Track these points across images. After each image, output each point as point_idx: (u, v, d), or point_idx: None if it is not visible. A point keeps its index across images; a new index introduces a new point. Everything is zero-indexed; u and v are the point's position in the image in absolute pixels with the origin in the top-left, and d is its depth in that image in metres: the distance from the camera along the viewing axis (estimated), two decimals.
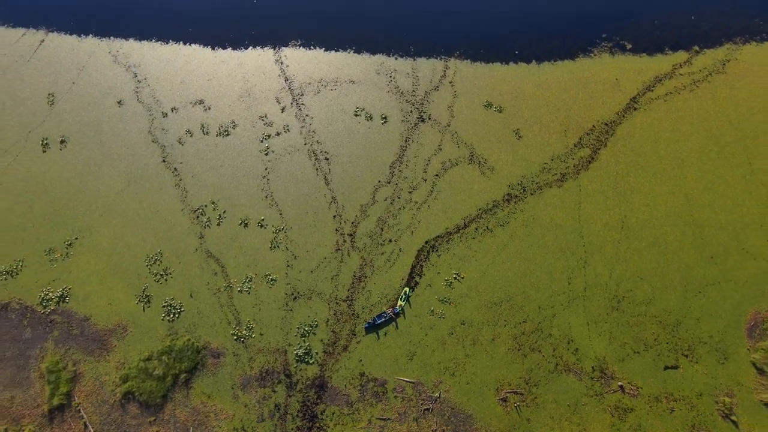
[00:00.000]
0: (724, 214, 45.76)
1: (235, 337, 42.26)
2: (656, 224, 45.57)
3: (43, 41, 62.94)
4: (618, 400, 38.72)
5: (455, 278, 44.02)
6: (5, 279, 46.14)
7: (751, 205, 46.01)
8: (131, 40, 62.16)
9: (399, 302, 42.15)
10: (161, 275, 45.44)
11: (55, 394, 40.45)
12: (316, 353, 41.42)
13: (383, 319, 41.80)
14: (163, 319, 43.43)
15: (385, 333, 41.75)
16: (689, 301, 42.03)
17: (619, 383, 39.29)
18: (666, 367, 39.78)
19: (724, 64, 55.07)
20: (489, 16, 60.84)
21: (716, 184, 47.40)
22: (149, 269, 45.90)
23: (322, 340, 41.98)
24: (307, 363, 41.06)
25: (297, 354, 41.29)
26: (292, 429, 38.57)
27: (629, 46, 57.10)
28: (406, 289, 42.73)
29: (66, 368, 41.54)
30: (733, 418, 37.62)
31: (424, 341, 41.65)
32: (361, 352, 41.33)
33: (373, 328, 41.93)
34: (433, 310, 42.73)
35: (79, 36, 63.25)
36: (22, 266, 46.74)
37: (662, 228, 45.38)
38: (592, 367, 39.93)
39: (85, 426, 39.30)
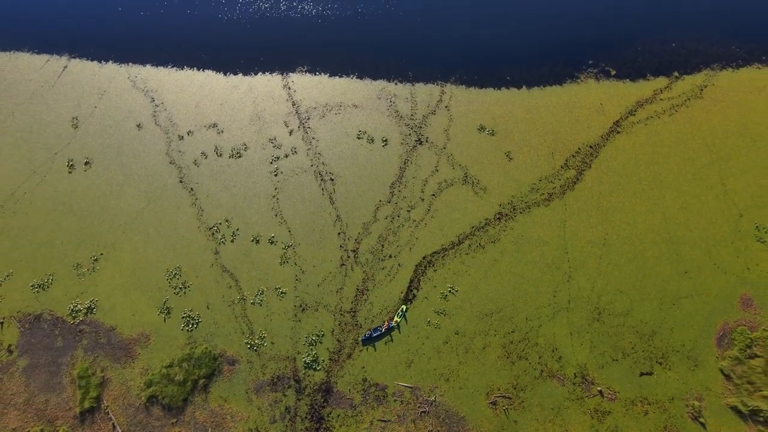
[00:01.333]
0: (698, 231, 49.65)
1: (248, 346, 46.32)
2: (635, 241, 49.48)
3: (66, 67, 67.40)
4: (597, 404, 42.58)
5: (450, 291, 48.00)
6: (37, 292, 50.33)
7: (723, 224, 49.89)
8: (148, 66, 66.53)
9: (395, 318, 46.11)
10: (180, 288, 49.57)
11: (86, 397, 44.51)
12: (323, 360, 45.43)
13: (379, 333, 45.78)
14: (182, 329, 47.52)
15: (385, 342, 45.73)
16: (664, 312, 45.89)
17: (599, 388, 43.13)
18: (641, 374, 43.60)
19: (701, 89, 59.06)
20: (482, 43, 64.91)
21: (691, 203, 51.31)
22: (169, 283, 50.03)
23: (328, 349, 45.99)
24: (315, 369, 45.06)
25: (305, 361, 45.31)
26: (301, 430, 42.54)
27: (613, 72, 61.11)
28: (404, 306, 46.69)
29: (95, 374, 45.63)
30: (702, 420, 41.41)
31: (421, 349, 45.61)
32: (363, 360, 45.32)
33: (369, 340, 45.90)
34: (429, 321, 46.71)
35: (100, 62, 67.67)
36: (52, 280, 50.93)
37: (641, 245, 49.29)
38: (574, 374, 43.80)
39: (114, 427, 43.35)
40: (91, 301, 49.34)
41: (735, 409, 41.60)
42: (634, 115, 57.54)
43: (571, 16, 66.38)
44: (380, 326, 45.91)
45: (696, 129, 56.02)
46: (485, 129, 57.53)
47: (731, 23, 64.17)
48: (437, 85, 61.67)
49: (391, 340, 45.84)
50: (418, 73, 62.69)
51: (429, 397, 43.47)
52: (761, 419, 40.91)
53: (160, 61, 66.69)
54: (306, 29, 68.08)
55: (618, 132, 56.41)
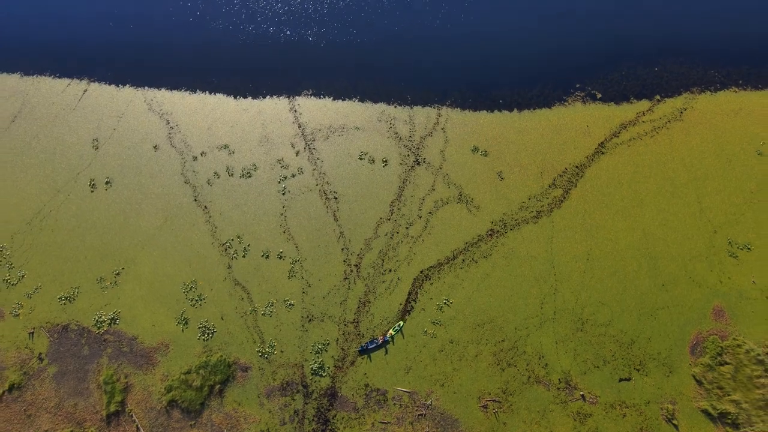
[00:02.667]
0: (675, 247, 53.65)
1: (260, 354, 50.44)
2: (617, 256, 53.49)
3: (86, 91, 71.90)
4: (579, 407, 46.52)
5: (445, 303, 52.07)
6: (64, 304, 54.58)
7: (699, 240, 53.89)
8: (163, 90, 70.95)
9: (390, 331, 50.12)
10: (196, 300, 53.76)
11: (111, 401, 48.65)
12: (328, 367, 49.50)
13: (374, 345, 49.82)
14: (199, 339, 51.68)
15: (385, 351, 49.78)
16: (642, 323, 49.86)
17: (581, 393, 47.09)
18: (620, 379, 47.54)
19: (681, 112, 63.15)
20: (476, 68, 69.13)
21: (670, 220, 55.33)
22: (186, 295, 54.22)
23: (332, 356, 50.08)
24: (321, 376, 49.14)
25: (312, 368, 49.39)
26: (308, 431, 46.59)
27: (599, 96, 65.23)
28: (401, 322, 50.68)
29: (119, 380, 49.79)
30: (675, 422, 45.31)
31: (418, 357, 49.65)
32: (365, 367, 49.38)
33: (365, 352, 49.93)
34: (426, 331, 50.76)
35: (117, 86, 72.14)
36: (77, 293, 55.18)
37: (622, 260, 53.30)
38: (559, 379, 47.77)
39: (138, 429, 47.47)
40: (114, 313, 53.51)
41: (705, 412, 45.46)
42: (618, 136, 61.59)
43: (560, 42, 70.54)
44: (376, 338, 49.92)
45: (675, 150, 60.06)
46: (479, 150, 61.66)
47: (711, 48, 68.16)
48: (434, 108, 65.86)
49: (386, 352, 49.78)
50: (416, 96, 66.87)
51: (426, 401, 47.45)
52: (729, 421, 44.78)
53: (174, 84, 71.04)
54: (310, 54, 72.37)
55: (602, 153, 60.45)
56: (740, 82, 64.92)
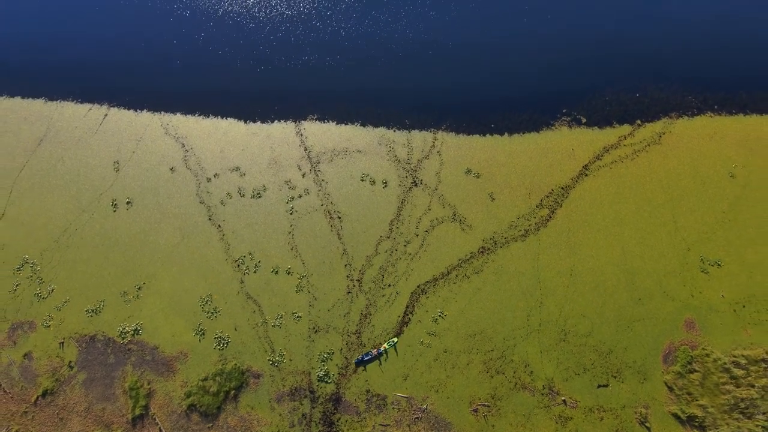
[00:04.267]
0: (652, 263, 58.37)
1: (270, 362, 55.36)
2: (597, 272, 58.25)
3: (106, 115, 77.24)
4: (561, 411, 51.22)
5: (440, 315, 56.90)
6: (91, 316, 59.65)
7: (673, 257, 58.61)
8: (178, 115, 76.20)
9: (384, 345, 54.86)
10: (212, 313, 58.74)
11: (136, 406, 53.60)
12: (333, 374, 54.36)
13: (369, 357, 54.53)
14: (214, 348, 56.63)
15: (380, 362, 54.60)
16: (620, 334, 54.57)
17: (563, 398, 51.81)
18: (599, 386, 52.24)
19: (660, 136, 67.97)
20: (470, 94, 74.16)
21: (647, 238, 60.07)
22: (202, 308, 59.22)
23: (337, 365, 54.95)
24: (326, 382, 54.01)
25: (318, 375, 54.27)
26: None
27: (584, 120, 70.10)
28: (395, 339, 55.40)
29: (143, 386, 54.77)
30: (647, 425, 49.95)
31: (415, 365, 54.47)
32: (366, 374, 54.23)
33: (361, 363, 54.67)
34: (422, 341, 55.60)
35: (136, 110, 77.44)
36: (103, 306, 60.25)
37: (602, 275, 58.06)
38: (543, 386, 52.50)
39: (160, 431, 52.39)
40: (136, 324, 58.54)
41: (675, 416, 50.11)
42: (601, 159, 66.44)
43: (548, 70, 75.53)
44: (371, 351, 54.69)
45: (654, 172, 64.87)
46: (472, 172, 66.60)
47: (689, 75, 73.02)
48: (430, 132, 70.89)
49: (380, 363, 54.64)
50: (414, 121, 71.92)
51: (421, 405, 52.25)
52: (696, 424, 49.43)
53: (188, 109, 76.29)
54: (315, 80, 77.57)
55: (586, 175, 65.29)
56: (716, 107, 69.67)
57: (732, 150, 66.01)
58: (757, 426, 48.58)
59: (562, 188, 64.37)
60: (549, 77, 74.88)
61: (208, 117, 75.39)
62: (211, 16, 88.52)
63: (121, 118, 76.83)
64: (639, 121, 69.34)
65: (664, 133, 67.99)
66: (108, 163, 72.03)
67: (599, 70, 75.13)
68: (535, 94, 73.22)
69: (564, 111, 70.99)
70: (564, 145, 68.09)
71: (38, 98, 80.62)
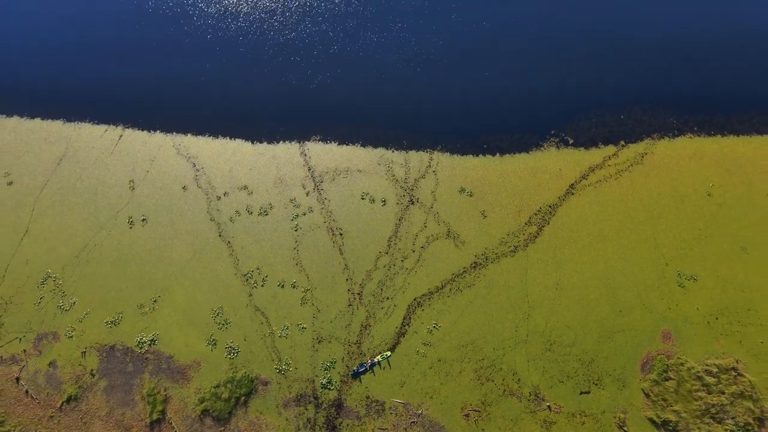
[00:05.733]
0: (632, 278, 62.64)
1: (277, 370, 59.82)
2: (581, 286, 62.56)
3: (121, 136, 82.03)
4: (546, 416, 55.50)
5: (434, 327, 61.28)
6: (111, 327, 64.23)
7: (652, 271, 62.88)
8: (189, 135, 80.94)
9: (377, 357, 59.05)
10: (223, 324, 63.26)
11: (154, 411, 58.06)
12: (335, 382, 58.76)
13: (364, 368, 58.81)
14: (225, 357, 61.11)
15: (383, 368, 59.00)
16: (601, 344, 58.85)
17: (548, 404, 56.09)
18: (581, 392, 56.51)
19: (642, 156, 72.32)
20: (464, 116, 78.71)
21: (628, 254, 64.35)
22: (214, 320, 63.74)
23: (339, 373, 59.35)
24: (329, 389, 58.42)
25: (321, 382, 58.70)
26: None
27: (571, 141, 74.51)
28: (388, 352, 59.65)
29: (159, 392, 59.26)
30: (625, 429, 54.14)
31: (411, 373, 58.85)
32: (366, 382, 58.63)
33: (356, 375, 58.93)
34: (418, 351, 59.97)
35: (149, 131, 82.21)
36: (121, 318, 64.82)
37: (586, 289, 62.37)
38: (529, 392, 56.80)
39: None
40: (153, 335, 63.07)
41: (651, 420, 54.32)
42: (587, 178, 70.81)
43: (538, 93, 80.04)
44: (365, 362, 59.00)
45: (636, 191, 69.22)
46: (465, 191, 71.07)
47: (670, 98, 77.43)
48: (427, 152, 75.42)
49: (374, 374, 59.05)
50: (411, 142, 76.48)
51: (417, 410, 56.61)
52: (670, 428, 53.64)
53: (198, 130, 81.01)
54: (318, 103, 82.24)
55: (572, 194, 69.67)
56: (695, 129, 74.04)
57: (710, 170, 70.28)
58: (726, 430, 52.76)
59: (550, 206, 68.72)
60: (539, 100, 79.37)
61: (217, 138, 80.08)
62: (218, 46, 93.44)
63: (135, 138, 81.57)
64: (623, 142, 73.67)
65: (646, 154, 72.30)
66: (124, 182, 76.72)
67: (586, 93, 79.55)
68: (525, 116, 77.67)
69: (552, 132, 75.37)
70: (552, 165, 72.46)
71: (57, 119, 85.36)
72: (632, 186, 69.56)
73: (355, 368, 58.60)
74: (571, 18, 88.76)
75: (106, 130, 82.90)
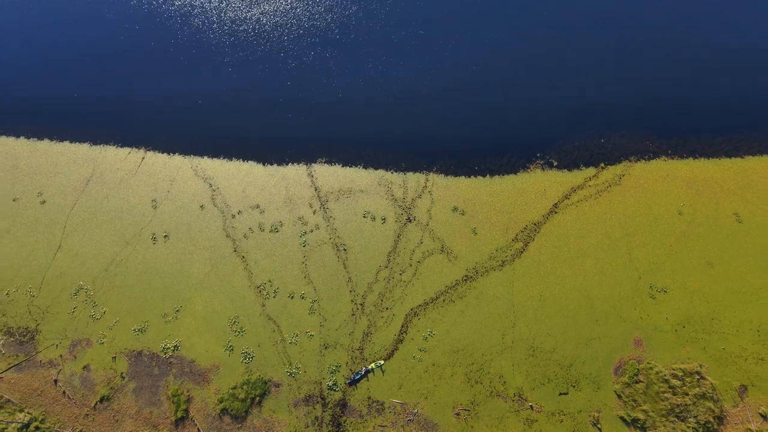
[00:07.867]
0: (608, 290, 69.23)
1: (288, 374, 66.71)
2: (562, 297, 69.19)
3: (143, 158, 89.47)
4: (528, 415, 62.09)
5: (429, 334, 68.07)
6: (138, 334, 71.35)
7: (627, 284, 69.47)
8: (206, 158, 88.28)
9: (372, 364, 65.41)
10: (239, 332, 70.26)
11: (178, 410, 65.02)
12: (340, 384, 65.55)
13: (359, 375, 65.28)
14: (241, 362, 68.04)
15: (383, 372, 65.83)
16: (579, 350, 65.43)
17: (530, 404, 62.70)
18: (560, 394, 63.07)
19: (620, 177, 79.06)
20: (457, 140, 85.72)
21: (605, 268, 71.00)
22: (230, 328, 70.76)
23: (343, 376, 66.19)
24: (335, 390, 65.24)
25: (328, 384, 65.52)
26: None
27: (555, 163, 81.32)
28: (382, 361, 66.35)
29: (183, 393, 66.25)
30: (599, 426, 60.66)
31: (408, 376, 65.61)
32: (367, 384, 65.41)
33: (353, 382, 65.69)
34: (414, 356, 66.75)
35: (168, 154, 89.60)
36: (147, 326, 71.94)
37: (566, 300, 69.00)
38: (514, 394, 63.44)
39: (198, 431, 63.82)
40: (176, 341, 70.12)
41: (622, 419, 60.79)
42: (569, 198, 77.61)
43: (525, 119, 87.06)
44: (360, 370, 65.68)
45: (613, 210, 75.94)
46: (458, 209, 78.00)
47: (647, 122, 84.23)
48: (423, 173, 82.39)
49: (368, 380, 65.88)
50: (409, 164, 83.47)
51: (413, 409, 63.37)
52: (639, 425, 60.13)
53: (214, 153, 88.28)
54: (324, 128, 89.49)
55: (556, 212, 76.46)
56: (669, 152, 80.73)
57: (681, 190, 76.96)
58: (689, 427, 59.18)
59: (535, 224, 75.52)
60: (526, 125, 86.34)
61: (231, 160, 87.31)
62: (232, 73, 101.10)
63: (156, 161, 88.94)
64: (603, 164, 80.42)
65: (623, 175, 79.06)
66: (147, 201, 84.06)
67: (570, 119, 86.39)
68: (513, 140, 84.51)
69: (538, 155, 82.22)
70: (538, 185, 79.30)
71: (83, 143, 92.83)
72: (610, 205, 76.26)
73: (351, 377, 64.87)
74: (554, 48, 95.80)
75: (129, 152, 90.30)
